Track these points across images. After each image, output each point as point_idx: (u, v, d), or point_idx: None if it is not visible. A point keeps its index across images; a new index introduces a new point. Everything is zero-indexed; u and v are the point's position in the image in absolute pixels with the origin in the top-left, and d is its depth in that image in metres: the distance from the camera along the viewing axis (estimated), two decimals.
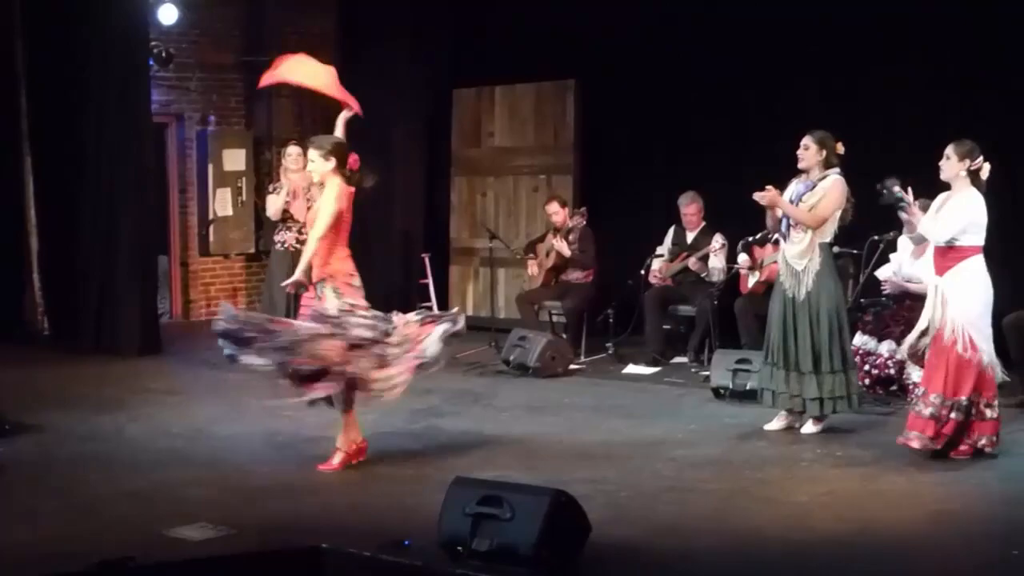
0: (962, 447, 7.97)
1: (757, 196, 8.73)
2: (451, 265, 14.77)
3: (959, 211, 7.87)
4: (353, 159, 8.00)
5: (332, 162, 7.85)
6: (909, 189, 8.25)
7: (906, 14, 11.29)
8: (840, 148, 8.65)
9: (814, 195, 8.58)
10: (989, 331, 8.00)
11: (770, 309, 8.90)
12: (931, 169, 8.09)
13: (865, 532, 6.65)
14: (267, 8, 14.88)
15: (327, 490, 7.46)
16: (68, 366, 11.64)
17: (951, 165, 7.94)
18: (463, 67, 14.42)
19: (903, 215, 8.48)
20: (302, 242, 10.90)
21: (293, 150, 11.31)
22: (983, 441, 7.95)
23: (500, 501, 5.92)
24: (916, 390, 8.31)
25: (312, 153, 7.92)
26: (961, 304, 7.86)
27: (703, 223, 11.95)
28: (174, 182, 14.63)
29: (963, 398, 7.85)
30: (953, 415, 7.85)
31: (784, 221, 8.75)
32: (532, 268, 12.80)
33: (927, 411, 7.89)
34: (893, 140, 11.38)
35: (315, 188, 10.86)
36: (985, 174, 7.94)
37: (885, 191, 8.26)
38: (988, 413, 7.94)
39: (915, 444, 7.94)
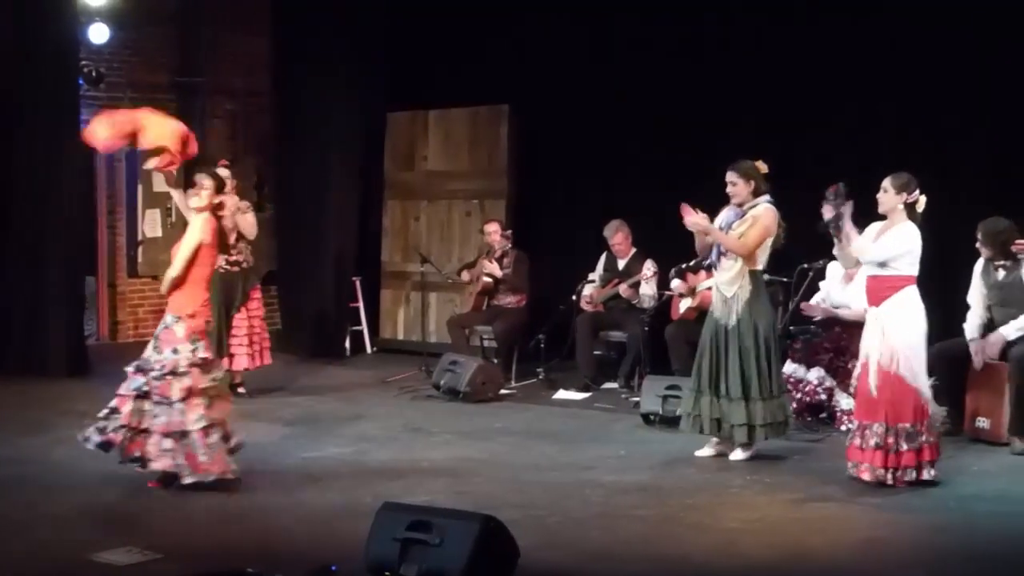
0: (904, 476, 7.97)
1: (687, 222, 8.71)
2: (383, 289, 14.74)
3: (896, 239, 7.93)
4: None
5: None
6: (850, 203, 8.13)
7: (841, 50, 11.45)
8: (763, 167, 8.66)
9: (744, 223, 8.61)
10: (924, 359, 8.06)
11: (702, 335, 8.90)
12: (864, 200, 8.14)
13: (794, 559, 6.67)
14: (201, 29, 14.78)
15: (255, 514, 7.39)
16: None
17: (889, 198, 7.99)
18: (398, 91, 14.42)
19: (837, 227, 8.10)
20: (231, 263, 10.87)
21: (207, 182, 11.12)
22: (927, 470, 7.97)
23: (429, 526, 5.89)
24: (850, 422, 8.14)
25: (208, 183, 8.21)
26: (901, 333, 7.91)
27: (634, 249, 11.97)
28: (103, 202, 14.50)
29: (908, 425, 7.88)
30: (904, 444, 7.87)
31: (715, 248, 8.75)
32: (466, 275, 12.82)
33: (872, 441, 7.90)
34: (824, 166, 11.45)
35: (238, 213, 10.86)
36: (921, 207, 8.00)
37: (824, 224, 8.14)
38: (928, 439, 7.97)
39: (866, 476, 7.93)
